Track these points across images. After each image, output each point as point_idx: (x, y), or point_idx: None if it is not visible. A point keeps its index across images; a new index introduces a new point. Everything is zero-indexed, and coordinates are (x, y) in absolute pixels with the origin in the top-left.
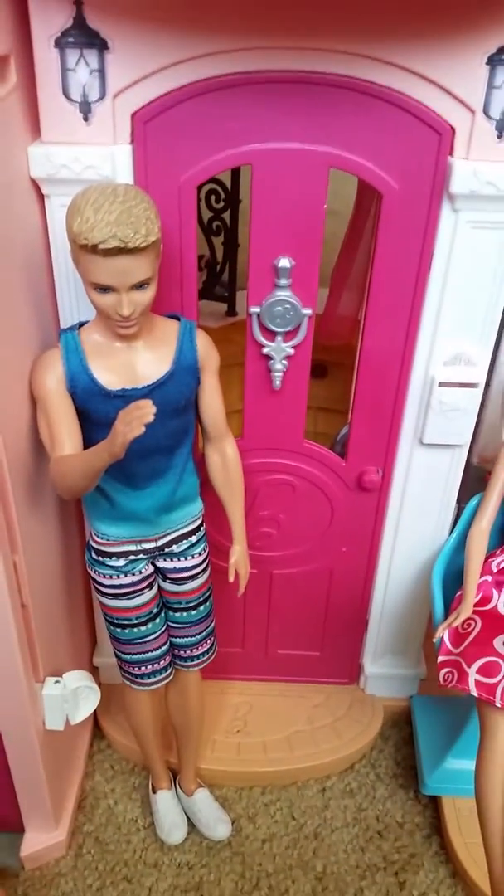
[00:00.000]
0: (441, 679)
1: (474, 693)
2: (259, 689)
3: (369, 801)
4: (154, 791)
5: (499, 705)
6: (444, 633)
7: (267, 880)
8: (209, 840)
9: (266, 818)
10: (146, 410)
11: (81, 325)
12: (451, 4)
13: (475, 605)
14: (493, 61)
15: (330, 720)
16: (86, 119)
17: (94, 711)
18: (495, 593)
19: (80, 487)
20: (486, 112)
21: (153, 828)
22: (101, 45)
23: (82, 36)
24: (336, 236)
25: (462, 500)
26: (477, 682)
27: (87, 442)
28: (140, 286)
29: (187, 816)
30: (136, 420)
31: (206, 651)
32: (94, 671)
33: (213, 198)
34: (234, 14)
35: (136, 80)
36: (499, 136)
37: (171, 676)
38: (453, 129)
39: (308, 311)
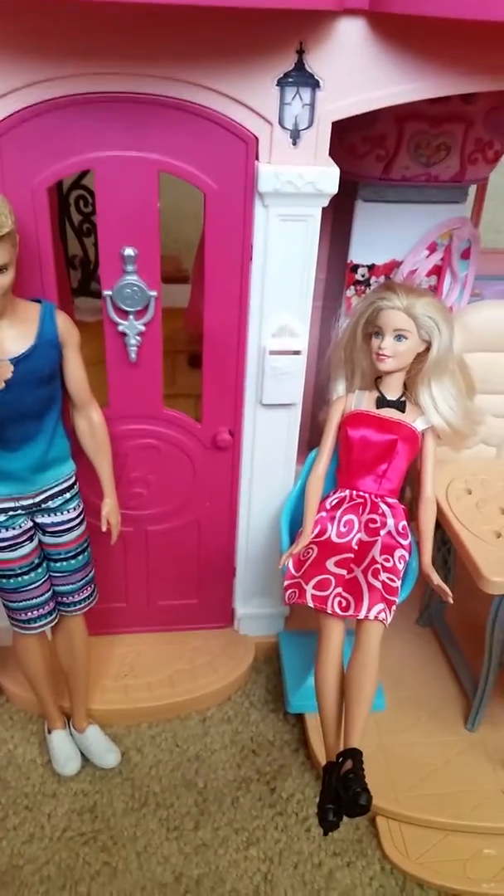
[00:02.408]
0: (286, 598)
1: (311, 604)
2: (144, 638)
3: (244, 725)
4: (49, 731)
5: (330, 612)
6: (288, 561)
7: (154, 798)
8: (101, 770)
9: (153, 748)
10: (3, 369)
11: None
12: (244, 44)
13: (314, 537)
14: (281, 83)
15: (208, 658)
16: None
17: None
18: (329, 526)
19: None
20: (281, 124)
21: (50, 765)
22: None
23: None
24: (196, 237)
25: None
26: (313, 596)
27: None
28: None
29: (81, 752)
30: None
31: (88, 597)
32: None
33: (81, 202)
34: (73, 46)
35: None
36: (293, 144)
37: (56, 620)
38: (257, 139)
39: (153, 293)
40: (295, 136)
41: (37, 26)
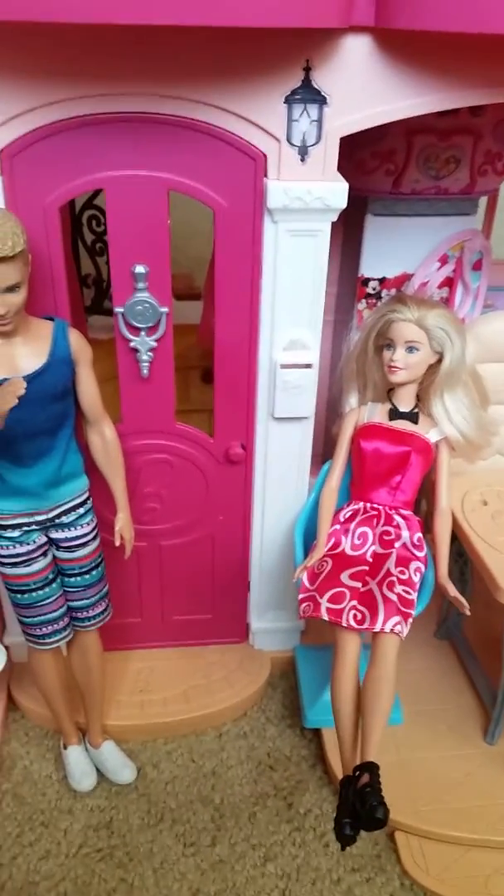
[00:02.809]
0: (301, 612)
1: (325, 618)
2: (159, 654)
3: (261, 740)
4: (65, 747)
5: (345, 625)
6: (302, 575)
7: (171, 814)
8: (117, 785)
9: (168, 763)
10: (18, 386)
11: None
12: (251, 63)
13: (329, 550)
14: (288, 101)
15: (224, 673)
16: None
17: (8, 687)
18: (343, 539)
19: None
20: (289, 140)
21: (66, 781)
22: None
23: None
24: (209, 254)
25: None
26: (328, 609)
27: None
28: (11, 289)
29: (97, 768)
30: (10, 394)
31: (102, 612)
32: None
33: (94, 222)
34: (83, 67)
35: (2, 123)
36: (301, 160)
37: (70, 636)
38: (265, 156)
39: (165, 309)
40: (303, 152)
41: (47, 48)
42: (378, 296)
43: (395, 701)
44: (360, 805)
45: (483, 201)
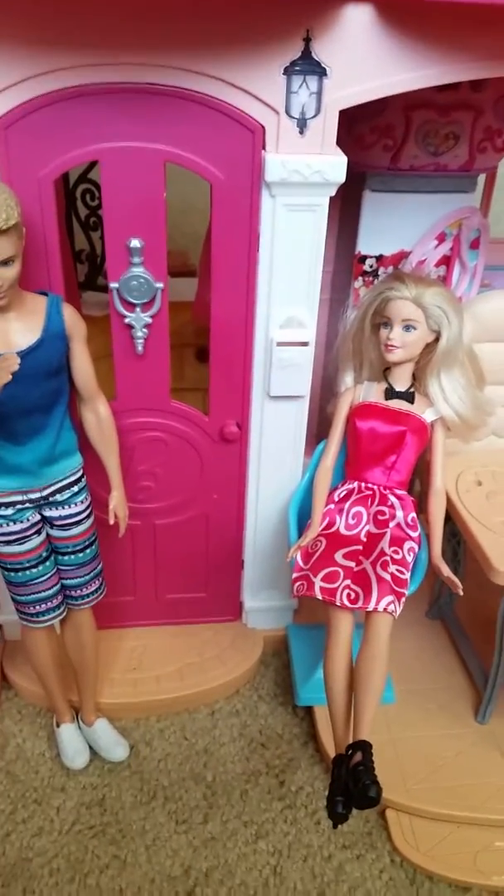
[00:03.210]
0: (294, 590)
1: (319, 597)
2: (153, 632)
3: (253, 718)
4: (58, 725)
5: (338, 604)
6: (296, 554)
7: (163, 791)
8: (110, 763)
9: (161, 741)
10: (11, 361)
11: None
12: (250, 33)
13: (323, 529)
14: (287, 72)
15: (216, 652)
16: None
17: (0, 664)
18: (338, 518)
19: None
20: (288, 113)
21: (59, 759)
22: None
23: None
24: (202, 231)
25: None
26: (322, 588)
27: None
28: (5, 263)
29: (90, 746)
30: (3, 370)
31: (96, 590)
32: None
33: (88, 196)
34: (79, 36)
35: None
36: (300, 133)
37: (64, 614)
38: (264, 128)
39: (160, 285)
40: (302, 124)
41: (40, 16)
42: (375, 273)
43: (388, 680)
44: (353, 783)
45: (482, 179)
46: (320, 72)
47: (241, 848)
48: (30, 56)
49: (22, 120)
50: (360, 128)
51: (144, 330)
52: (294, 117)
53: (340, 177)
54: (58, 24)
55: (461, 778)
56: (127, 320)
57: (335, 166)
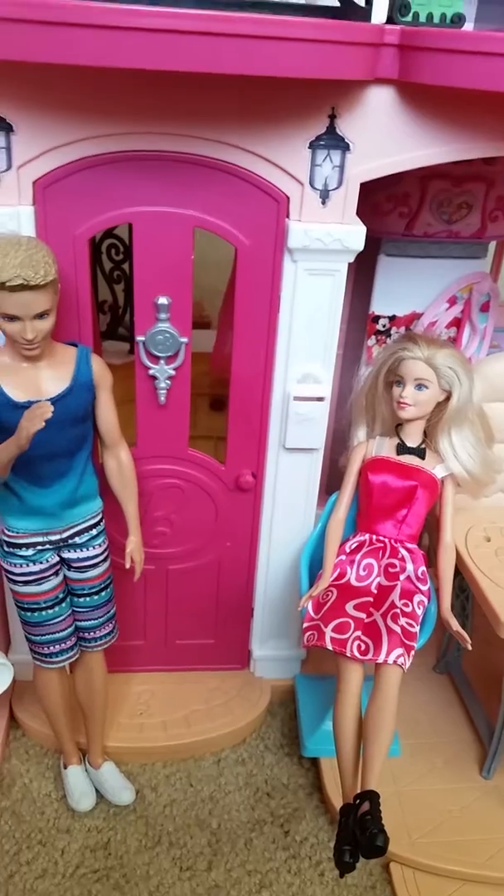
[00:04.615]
0: (305, 640)
1: (329, 647)
2: (160, 677)
3: (259, 767)
4: (65, 767)
5: (349, 656)
6: (307, 604)
7: (168, 837)
8: (116, 807)
9: (167, 787)
10: (45, 409)
11: None
12: (279, 108)
13: (334, 580)
14: (313, 146)
15: (224, 700)
16: None
17: (10, 704)
18: (349, 569)
19: None
20: (311, 184)
21: (65, 800)
22: (7, 129)
23: None
24: (222, 285)
25: None
26: (332, 639)
27: None
28: (41, 316)
29: (96, 789)
30: (38, 417)
31: (108, 633)
32: None
33: (113, 251)
34: (115, 107)
35: (37, 156)
36: (322, 203)
37: (77, 656)
38: (288, 198)
39: (184, 340)
40: (324, 195)
41: (80, 86)
42: (387, 333)
43: (394, 733)
44: (361, 832)
45: (492, 246)
46: (344, 146)
47: None
48: (68, 122)
49: (60, 182)
50: (377, 196)
51: (167, 381)
52: (317, 188)
53: (359, 245)
54: (96, 94)
55: (466, 833)
56: (151, 372)
57: (355, 235)
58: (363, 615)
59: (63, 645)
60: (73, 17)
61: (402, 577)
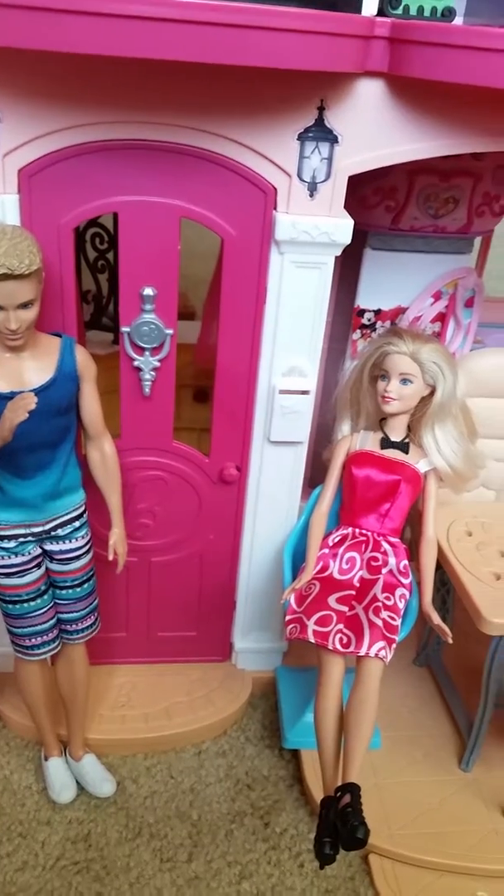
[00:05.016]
0: (287, 633)
1: (312, 640)
2: (142, 669)
3: (239, 759)
4: (46, 759)
5: (331, 648)
6: (290, 596)
7: (148, 829)
8: (96, 798)
9: (148, 779)
10: (29, 400)
11: None
12: (267, 99)
13: (317, 573)
14: (301, 138)
15: (205, 692)
16: None
17: None
18: (331, 563)
19: None
20: (299, 176)
21: (46, 792)
22: None
23: None
24: (207, 276)
25: None
26: (315, 632)
27: None
28: (25, 305)
29: (77, 781)
30: (21, 408)
31: (90, 625)
32: None
33: (97, 240)
34: (103, 95)
35: (22, 144)
36: (310, 195)
37: (58, 648)
38: (276, 189)
39: (170, 331)
40: (312, 188)
41: (67, 75)
42: (373, 327)
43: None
44: (342, 825)
45: (478, 241)
46: (332, 139)
47: (224, 888)
48: (54, 111)
49: (45, 170)
50: (364, 189)
51: (152, 373)
52: (305, 181)
53: (346, 238)
54: (82, 82)
55: (445, 825)
56: (136, 363)
57: (342, 228)
58: (345, 608)
59: (45, 637)
60: (64, 4)
61: (384, 570)
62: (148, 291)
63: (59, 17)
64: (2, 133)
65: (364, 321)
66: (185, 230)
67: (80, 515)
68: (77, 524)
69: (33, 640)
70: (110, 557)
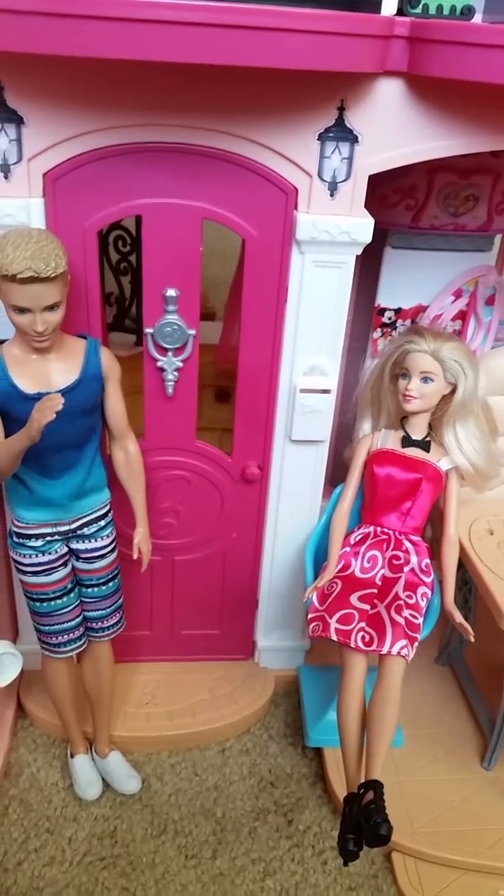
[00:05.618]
0: (310, 631)
1: (334, 638)
2: (166, 667)
3: (263, 757)
4: (72, 756)
5: (353, 646)
6: (312, 595)
7: (173, 826)
8: (122, 795)
9: (172, 776)
10: (56, 401)
11: (1, 342)
12: (288, 100)
13: (339, 572)
14: (322, 138)
15: (229, 690)
16: (6, 177)
17: (18, 694)
18: (353, 561)
19: (4, 469)
20: (320, 176)
21: (72, 789)
22: (18, 121)
23: (3, 113)
24: (227, 276)
25: None
26: (337, 630)
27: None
28: (51, 308)
29: (102, 778)
30: (49, 409)
31: (116, 623)
32: None
33: (120, 242)
34: (126, 98)
35: (47, 148)
36: (331, 195)
37: (85, 646)
38: (296, 189)
39: (192, 332)
40: (333, 188)
41: (92, 79)
42: (393, 325)
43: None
44: (365, 821)
45: (498, 238)
46: (352, 139)
47: (248, 885)
48: (78, 115)
49: (70, 174)
50: (383, 188)
51: (175, 373)
52: (326, 180)
53: (367, 237)
54: (106, 87)
55: (467, 823)
56: (159, 364)
57: (363, 227)
58: (367, 607)
59: (71, 635)
60: (86, 9)
61: (406, 569)
62: (171, 292)
63: (82, 23)
64: (27, 137)
65: (385, 320)
66: (204, 231)
67: (106, 514)
68: (102, 523)
69: (60, 637)
70: (135, 556)
